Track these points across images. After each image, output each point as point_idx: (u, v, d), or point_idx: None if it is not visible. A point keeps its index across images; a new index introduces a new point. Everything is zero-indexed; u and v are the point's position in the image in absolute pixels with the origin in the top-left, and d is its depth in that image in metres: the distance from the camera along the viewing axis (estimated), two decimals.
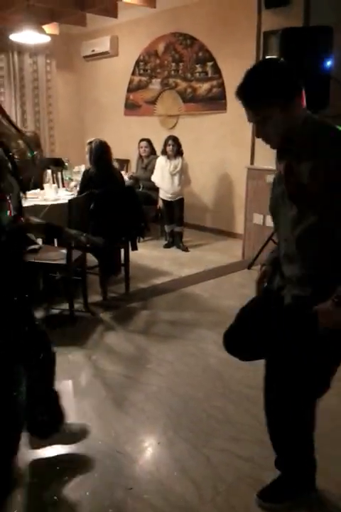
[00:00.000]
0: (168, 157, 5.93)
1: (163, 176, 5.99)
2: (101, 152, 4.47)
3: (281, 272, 1.86)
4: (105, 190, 4.34)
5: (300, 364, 1.80)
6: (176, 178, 5.94)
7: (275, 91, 1.64)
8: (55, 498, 2.10)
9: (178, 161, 5.92)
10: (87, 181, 4.45)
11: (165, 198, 6.13)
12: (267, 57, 1.62)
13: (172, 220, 6.18)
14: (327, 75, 4.37)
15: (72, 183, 5.22)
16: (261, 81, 1.65)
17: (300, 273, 1.74)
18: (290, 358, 1.82)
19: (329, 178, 1.57)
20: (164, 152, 5.97)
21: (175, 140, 5.89)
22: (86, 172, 4.57)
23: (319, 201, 1.61)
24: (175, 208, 6.10)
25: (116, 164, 6.67)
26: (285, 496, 2.07)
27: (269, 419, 2.05)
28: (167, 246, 6.20)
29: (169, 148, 5.89)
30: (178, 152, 5.92)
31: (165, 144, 5.94)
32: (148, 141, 6.59)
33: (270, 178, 4.52)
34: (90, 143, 4.59)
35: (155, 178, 6.11)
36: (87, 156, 4.60)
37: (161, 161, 6.00)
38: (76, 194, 4.67)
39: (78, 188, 4.72)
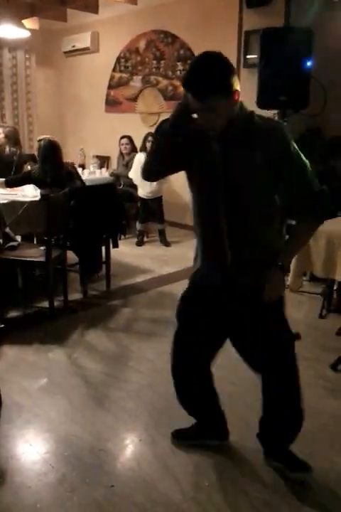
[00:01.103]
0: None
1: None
2: (48, 153, 4.29)
3: (224, 260, 1.94)
4: (85, 187, 4.31)
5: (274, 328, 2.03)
6: None
7: (221, 83, 1.75)
8: (37, 496, 2.07)
9: None
10: (25, 180, 4.42)
11: (142, 196, 6.10)
12: (209, 51, 1.75)
13: (146, 218, 6.16)
14: (307, 75, 4.41)
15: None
16: (209, 73, 1.73)
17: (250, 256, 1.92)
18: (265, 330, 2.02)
19: (259, 168, 1.81)
20: (143, 148, 5.95)
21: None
22: (28, 172, 4.50)
23: (253, 185, 1.85)
24: (154, 206, 6.09)
25: (95, 161, 6.66)
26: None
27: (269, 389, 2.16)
28: (138, 244, 6.17)
29: (149, 145, 5.87)
30: None
31: (145, 140, 5.93)
32: (129, 138, 6.56)
33: None
34: (40, 141, 4.47)
35: (133, 174, 6.04)
36: (36, 153, 4.50)
37: (140, 158, 5.95)
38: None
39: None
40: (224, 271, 1.96)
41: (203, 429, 2.41)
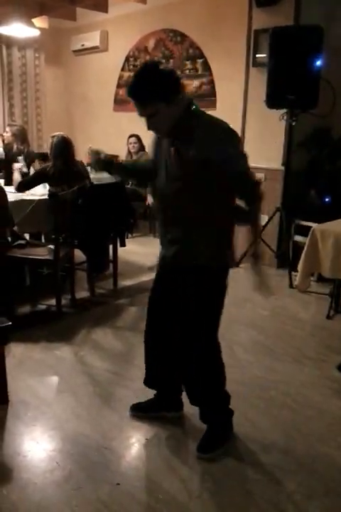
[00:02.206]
0: None
1: None
2: (61, 148, 4.27)
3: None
4: (93, 185, 4.32)
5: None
6: None
7: (158, 91, 1.99)
8: (43, 493, 2.09)
9: None
10: (41, 178, 4.29)
11: None
12: (147, 62, 2.13)
13: None
14: (317, 74, 4.39)
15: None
16: (147, 83, 1.99)
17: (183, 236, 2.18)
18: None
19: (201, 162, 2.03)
20: None
21: None
22: (43, 169, 4.33)
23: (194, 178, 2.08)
24: None
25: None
26: (215, 444, 2.37)
27: (190, 378, 2.41)
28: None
29: None
30: None
31: None
32: (138, 137, 6.57)
33: (259, 175, 4.51)
34: (53, 137, 4.45)
35: None
36: (48, 151, 4.46)
37: None
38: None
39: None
40: None
41: (161, 401, 2.61)
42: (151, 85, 1.98)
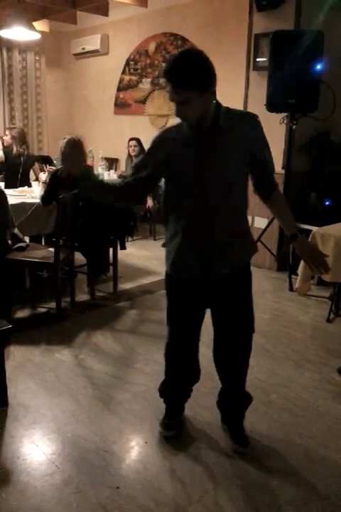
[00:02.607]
0: None
1: None
2: (70, 151, 4.12)
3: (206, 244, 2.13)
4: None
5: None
6: None
7: (197, 79, 1.89)
8: (42, 497, 2.08)
9: None
10: (56, 182, 4.17)
11: None
12: (191, 48, 2.05)
13: None
14: (317, 78, 4.40)
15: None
16: (188, 68, 1.88)
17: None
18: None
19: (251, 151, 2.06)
20: None
21: None
22: (55, 172, 4.29)
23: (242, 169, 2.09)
24: None
25: (103, 163, 6.68)
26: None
27: (229, 375, 2.39)
28: (164, 245, 6.16)
29: None
30: None
31: None
32: (138, 140, 6.57)
33: None
34: (64, 139, 4.41)
35: None
36: (59, 152, 4.40)
37: None
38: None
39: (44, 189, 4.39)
40: None
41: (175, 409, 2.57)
42: (192, 71, 1.88)
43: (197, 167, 2.04)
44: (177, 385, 2.51)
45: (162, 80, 7.05)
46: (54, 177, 4.24)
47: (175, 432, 2.49)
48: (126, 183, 2.27)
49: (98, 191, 2.31)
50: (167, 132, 2.17)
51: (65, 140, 4.25)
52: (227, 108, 2.08)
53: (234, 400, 2.45)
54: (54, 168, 5.53)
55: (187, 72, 1.87)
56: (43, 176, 4.70)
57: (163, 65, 6.88)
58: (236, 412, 2.45)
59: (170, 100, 1.97)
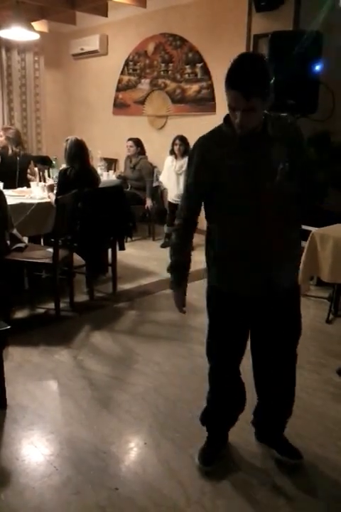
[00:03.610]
0: (176, 157, 5.94)
1: (169, 176, 6.03)
2: (76, 150, 4.31)
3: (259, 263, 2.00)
4: (93, 189, 4.31)
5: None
6: (182, 178, 5.92)
7: (267, 83, 1.83)
8: (41, 498, 2.07)
9: (185, 161, 5.88)
10: (66, 181, 4.26)
11: (170, 200, 6.13)
12: (253, 53, 1.87)
13: (173, 222, 6.14)
14: (316, 79, 4.40)
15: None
16: (260, 72, 1.81)
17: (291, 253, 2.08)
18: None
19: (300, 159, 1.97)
20: (172, 152, 5.98)
21: (182, 140, 5.88)
22: (64, 171, 4.36)
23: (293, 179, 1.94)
24: None
25: (102, 163, 6.68)
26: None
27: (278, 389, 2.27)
28: (163, 246, 6.18)
29: (176, 148, 5.90)
30: (186, 152, 5.86)
31: (173, 144, 5.96)
32: (135, 140, 6.55)
33: None
34: (67, 140, 4.47)
35: (163, 178, 6.18)
36: (63, 155, 4.47)
37: (168, 161, 6.04)
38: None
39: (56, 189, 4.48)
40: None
41: (219, 439, 2.38)
42: (262, 78, 1.80)
43: (250, 178, 1.92)
44: (224, 412, 2.32)
45: (161, 81, 7.04)
46: (63, 177, 4.30)
47: (213, 467, 2.26)
48: (186, 225, 2.16)
49: (183, 267, 2.16)
50: (206, 146, 2.00)
51: (69, 141, 4.31)
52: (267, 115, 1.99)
53: (280, 414, 2.34)
54: (53, 169, 5.56)
55: (257, 77, 1.79)
56: (50, 180, 4.76)
57: (162, 65, 6.92)
58: (281, 425, 2.36)
59: (232, 108, 1.86)
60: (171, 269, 2.15)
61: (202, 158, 1.98)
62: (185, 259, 2.14)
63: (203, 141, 2.02)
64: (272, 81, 1.85)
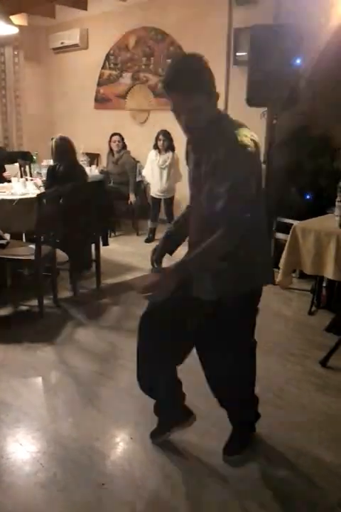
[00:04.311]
0: (159, 151, 5.91)
1: (153, 171, 5.99)
2: (64, 148, 4.38)
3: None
4: (74, 185, 4.29)
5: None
6: (165, 172, 5.91)
7: (208, 82, 1.80)
8: (27, 496, 2.07)
9: (168, 156, 5.88)
10: (54, 177, 4.33)
11: (153, 195, 6.12)
12: (189, 53, 1.81)
13: (156, 217, 6.17)
14: (297, 72, 4.42)
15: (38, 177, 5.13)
16: (196, 71, 1.77)
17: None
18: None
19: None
20: (155, 146, 5.95)
21: (165, 134, 5.84)
22: (52, 168, 4.42)
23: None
24: (165, 206, 6.11)
25: (85, 158, 6.65)
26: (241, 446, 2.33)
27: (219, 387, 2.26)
28: (147, 241, 6.18)
29: (160, 143, 5.87)
30: (169, 147, 5.87)
31: (156, 139, 5.92)
32: (121, 135, 6.53)
33: None
34: (52, 139, 4.51)
35: (146, 172, 6.14)
36: (51, 152, 4.52)
37: (151, 155, 6.00)
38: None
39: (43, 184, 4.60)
40: None
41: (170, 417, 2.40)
42: (198, 74, 1.76)
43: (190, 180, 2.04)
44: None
45: (142, 75, 7.01)
46: (52, 173, 4.34)
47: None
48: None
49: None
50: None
51: (54, 140, 4.36)
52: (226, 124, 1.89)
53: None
54: (34, 164, 5.51)
55: (193, 74, 1.76)
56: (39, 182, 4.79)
57: (144, 59, 6.89)
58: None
59: (175, 111, 1.85)
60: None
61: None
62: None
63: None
64: (206, 81, 1.80)
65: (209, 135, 1.85)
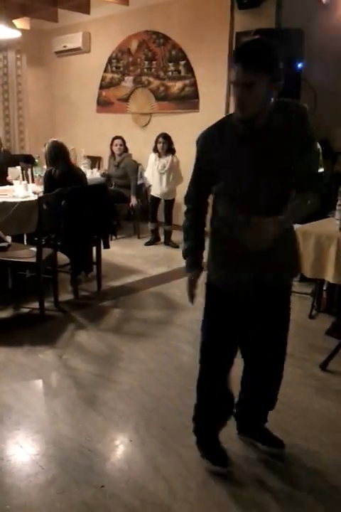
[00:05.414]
0: (159, 155, 5.91)
1: (153, 174, 5.98)
2: (56, 152, 4.36)
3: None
4: (76, 187, 4.30)
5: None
6: (164, 177, 5.90)
7: (273, 64, 1.80)
8: (26, 497, 2.07)
9: (168, 159, 5.87)
10: (52, 181, 4.29)
11: (154, 194, 6.12)
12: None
13: (155, 217, 6.18)
14: (298, 76, 4.44)
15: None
16: (266, 49, 1.80)
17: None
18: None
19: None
20: (155, 150, 5.95)
21: (165, 138, 5.83)
22: (48, 172, 4.39)
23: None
24: (163, 207, 6.12)
25: (86, 161, 6.67)
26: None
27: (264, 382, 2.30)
28: (148, 243, 6.18)
29: (160, 146, 5.85)
30: (169, 150, 5.87)
31: (156, 142, 5.91)
32: (123, 139, 6.55)
33: None
34: (45, 145, 4.51)
35: (147, 174, 6.15)
36: (44, 159, 4.53)
37: (151, 158, 5.99)
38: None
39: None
40: None
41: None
42: (265, 55, 1.78)
43: (247, 175, 1.91)
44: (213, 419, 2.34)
45: (144, 79, 7.04)
46: (49, 177, 4.34)
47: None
48: (195, 212, 2.14)
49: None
50: (206, 141, 2.04)
51: (47, 145, 4.37)
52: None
53: (265, 407, 2.38)
54: (36, 167, 5.52)
55: (258, 52, 1.78)
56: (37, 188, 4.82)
57: (146, 63, 6.91)
58: (264, 416, 2.39)
59: (234, 84, 1.85)
60: (184, 253, 2.17)
61: (202, 153, 2.05)
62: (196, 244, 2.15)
63: (204, 135, 2.06)
64: (281, 67, 1.82)
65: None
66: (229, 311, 2.08)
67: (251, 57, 1.78)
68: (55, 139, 4.51)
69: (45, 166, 5.13)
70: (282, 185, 1.93)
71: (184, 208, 2.19)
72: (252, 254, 1.90)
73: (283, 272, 2.09)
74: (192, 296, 2.12)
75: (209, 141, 2.02)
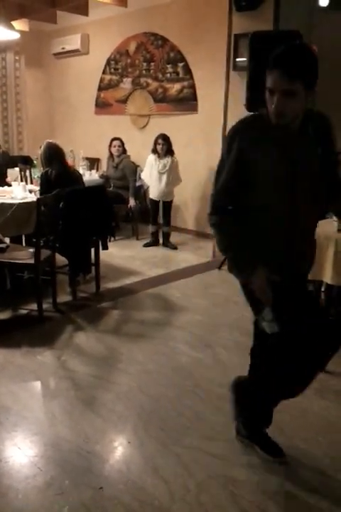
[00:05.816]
0: (158, 156, 5.91)
1: (152, 175, 5.98)
2: (52, 153, 4.38)
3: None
4: (74, 189, 4.30)
5: None
6: (164, 177, 5.90)
7: (312, 72, 1.79)
8: (25, 499, 2.07)
9: (167, 160, 5.87)
10: (48, 182, 4.30)
11: (152, 197, 6.12)
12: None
13: (156, 219, 6.18)
14: None
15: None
16: (307, 57, 1.78)
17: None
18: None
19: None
20: (154, 151, 5.95)
21: (165, 139, 5.83)
22: (45, 173, 4.39)
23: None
24: (161, 208, 6.12)
25: (85, 163, 6.68)
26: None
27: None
28: (147, 245, 6.19)
29: (159, 147, 5.85)
30: (168, 151, 5.88)
31: (155, 143, 5.90)
32: (121, 140, 6.56)
33: None
34: (40, 147, 4.53)
35: (145, 175, 6.13)
36: (39, 160, 4.55)
37: (150, 160, 5.98)
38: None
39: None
40: None
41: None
42: (307, 64, 1.76)
43: (282, 178, 1.91)
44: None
45: (143, 80, 7.04)
46: (45, 178, 4.35)
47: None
48: (232, 217, 1.99)
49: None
50: (244, 136, 1.92)
51: (42, 147, 4.38)
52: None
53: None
54: (34, 169, 5.53)
55: (301, 60, 1.76)
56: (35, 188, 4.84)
57: (144, 64, 6.91)
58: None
59: (271, 92, 1.81)
60: (233, 261, 2.06)
61: (239, 150, 1.90)
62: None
63: (241, 130, 1.96)
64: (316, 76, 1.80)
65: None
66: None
67: (296, 65, 1.74)
68: (50, 140, 4.52)
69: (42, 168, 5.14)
70: (317, 188, 1.97)
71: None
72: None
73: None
74: (269, 297, 1.99)
75: (247, 142, 1.91)
